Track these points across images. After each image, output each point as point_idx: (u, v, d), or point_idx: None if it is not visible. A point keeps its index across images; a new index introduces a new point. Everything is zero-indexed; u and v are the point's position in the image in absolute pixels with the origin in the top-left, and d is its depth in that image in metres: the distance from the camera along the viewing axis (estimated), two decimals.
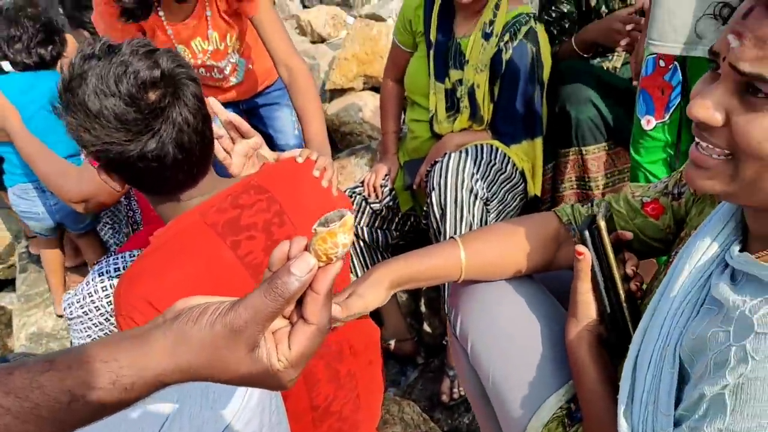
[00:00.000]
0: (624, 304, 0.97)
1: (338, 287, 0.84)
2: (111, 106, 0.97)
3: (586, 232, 0.96)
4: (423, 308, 2.22)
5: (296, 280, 0.57)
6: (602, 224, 0.95)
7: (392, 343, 2.10)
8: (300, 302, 0.61)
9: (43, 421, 0.56)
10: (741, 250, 0.82)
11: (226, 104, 2.13)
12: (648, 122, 1.61)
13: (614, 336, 0.98)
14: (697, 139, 0.77)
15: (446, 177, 1.72)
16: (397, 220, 2.12)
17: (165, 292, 1.03)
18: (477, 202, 1.71)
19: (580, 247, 0.96)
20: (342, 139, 2.96)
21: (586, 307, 0.98)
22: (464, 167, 1.72)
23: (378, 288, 1.07)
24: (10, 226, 3.00)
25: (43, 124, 1.99)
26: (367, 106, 2.94)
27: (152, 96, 1.00)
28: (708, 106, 0.74)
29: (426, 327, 2.19)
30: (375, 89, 3.17)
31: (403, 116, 2.28)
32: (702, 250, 0.86)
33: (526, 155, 1.93)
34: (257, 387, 0.63)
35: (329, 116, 2.98)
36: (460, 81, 1.93)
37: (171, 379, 0.59)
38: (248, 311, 0.57)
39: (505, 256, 1.13)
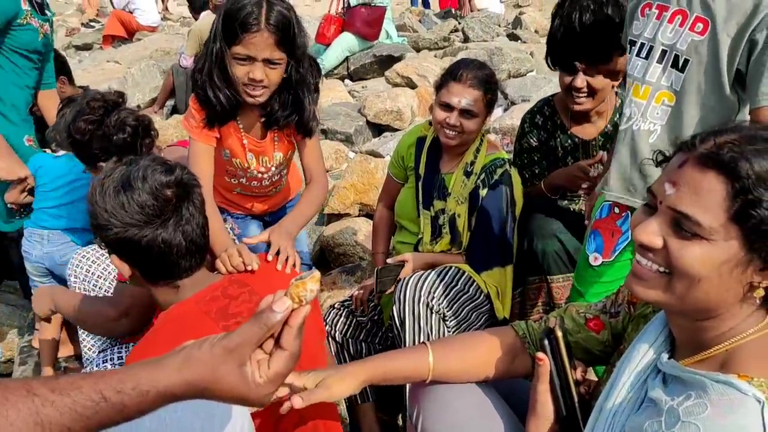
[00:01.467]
0: (577, 404, 1.13)
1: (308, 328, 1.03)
2: (135, 196, 1.27)
3: (546, 341, 1.12)
4: (400, 422, 2.33)
5: (277, 314, 0.82)
6: (559, 334, 1.12)
7: None
8: (277, 338, 0.85)
9: (76, 415, 0.76)
10: (670, 358, 1.02)
11: (256, 216, 2.41)
12: (595, 259, 1.84)
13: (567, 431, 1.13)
14: (638, 256, 0.97)
15: (406, 292, 1.95)
16: (380, 334, 2.29)
17: None
18: (433, 316, 1.92)
19: (540, 354, 1.13)
20: (335, 259, 3.19)
21: (543, 406, 1.14)
22: (422, 285, 1.95)
23: (350, 380, 1.26)
24: (12, 322, 3.15)
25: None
26: (361, 230, 3.20)
27: (168, 192, 1.30)
28: (650, 232, 0.93)
29: None
30: (369, 216, 3.43)
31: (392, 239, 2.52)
32: (639, 357, 1.04)
33: (497, 281, 2.14)
34: (242, 401, 0.84)
35: (326, 237, 3.23)
36: (443, 210, 2.20)
37: (179, 391, 0.80)
38: (240, 336, 0.81)
39: (467, 363, 1.32)
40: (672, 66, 1.62)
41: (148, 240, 1.27)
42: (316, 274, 0.87)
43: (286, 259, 1.65)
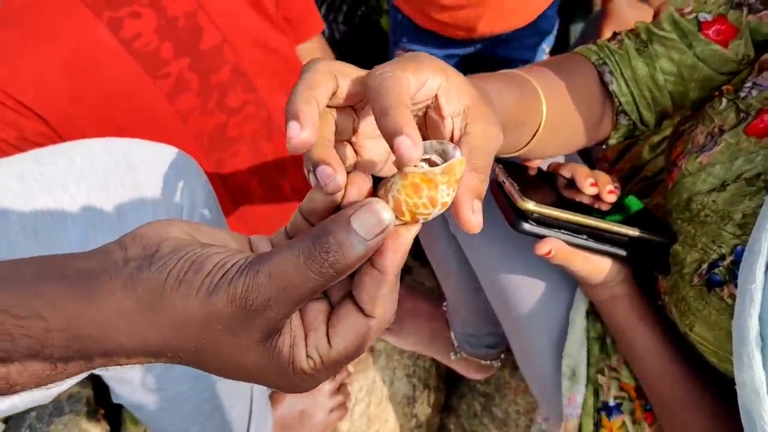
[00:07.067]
0: (628, 231, 0.72)
1: None
2: None
3: (525, 225, 0.70)
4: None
5: (359, 244, 0.34)
6: (531, 206, 0.69)
7: None
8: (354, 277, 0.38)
9: None
10: None
11: None
12: None
13: (646, 256, 0.75)
14: None
15: None
16: (346, 9, 1.82)
17: (22, 79, 0.83)
18: None
19: (542, 248, 0.70)
20: None
21: (598, 272, 0.73)
22: None
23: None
24: None
25: None
26: None
27: None
28: None
29: None
30: None
31: None
32: None
33: None
34: (261, 384, 0.40)
35: None
36: None
37: (126, 361, 0.37)
38: (275, 284, 0.34)
39: (567, 134, 0.76)
40: None
41: None
42: (458, 162, 0.36)
43: None
